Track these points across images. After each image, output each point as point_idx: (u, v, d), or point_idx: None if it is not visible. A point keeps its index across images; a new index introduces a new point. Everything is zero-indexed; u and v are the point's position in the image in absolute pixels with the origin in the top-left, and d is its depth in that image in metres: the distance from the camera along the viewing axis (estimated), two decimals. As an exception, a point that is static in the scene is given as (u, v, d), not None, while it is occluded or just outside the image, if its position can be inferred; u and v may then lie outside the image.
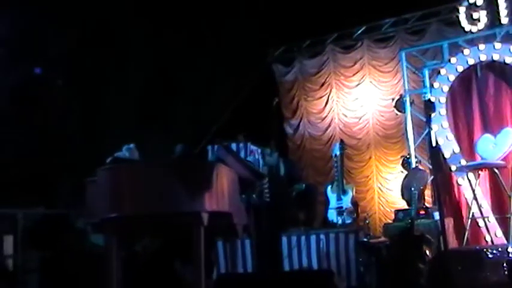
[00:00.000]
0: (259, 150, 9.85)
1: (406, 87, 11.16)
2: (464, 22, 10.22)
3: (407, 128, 10.91)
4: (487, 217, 9.46)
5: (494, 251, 6.97)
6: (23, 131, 10.20)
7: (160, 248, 7.63)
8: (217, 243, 9.48)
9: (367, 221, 9.68)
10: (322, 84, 13.40)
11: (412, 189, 9.36)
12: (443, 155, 9.89)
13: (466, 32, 10.29)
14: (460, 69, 10.14)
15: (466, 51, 10.11)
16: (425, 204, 9.94)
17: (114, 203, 5.95)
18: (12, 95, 10.00)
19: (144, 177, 5.99)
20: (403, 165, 10.30)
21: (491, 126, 9.85)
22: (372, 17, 12.59)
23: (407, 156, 10.47)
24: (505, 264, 6.73)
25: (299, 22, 12.61)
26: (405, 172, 10.42)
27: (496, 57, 9.89)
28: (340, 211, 10.11)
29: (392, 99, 11.21)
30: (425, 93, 10.47)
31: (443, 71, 10.25)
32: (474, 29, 10.16)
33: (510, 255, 6.90)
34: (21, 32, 9.99)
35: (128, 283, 6.72)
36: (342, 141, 11.25)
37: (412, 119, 10.88)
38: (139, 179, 5.98)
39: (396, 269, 8.09)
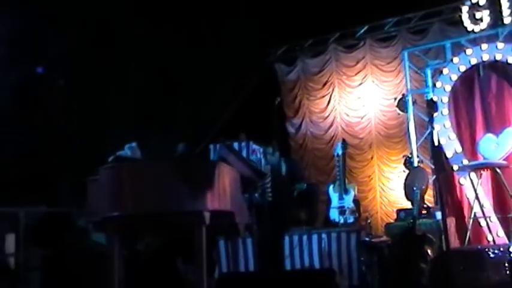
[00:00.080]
0: (261, 150, 9.85)
1: (409, 86, 11.16)
2: (466, 22, 10.20)
3: (410, 128, 10.90)
4: (489, 217, 9.45)
5: (496, 251, 6.97)
6: (23, 130, 10.22)
7: (162, 247, 7.63)
8: (219, 242, 9.49)
9: (369, 221, 9.68)
10: (325, 84, 13.39)
11: (414, 188, 9.35)
12: (445, 155, 9.88)
13: (469, 32, 10.28)
14: (463, 68, 10.12)
15: (469, 51, 10.09)
16: (427, 203, 9.94)
17: (116, 202, 5.96)
18: (12, 95, 10.01)
19: (146, 176, 5.99)
20: (405, 164, 10.28)
21: (494, 126, 9.84)
22: (375, 16, 12.59)
23: (410, 156, 10.46)
24: (506, 264, 6.72)
25: (301, 21, 12.62)
26: (407, 172, 10.41)
27: (498, 57, 9.88)
28: (342, 210, 10.11)
29: (395, 99, 11.20)
30: (427, 92, 10.48)
31: (445, 71, 10.24)
32: (477, 28, 10.15)
33: (512, 254, 6.90)
34: (22, 32, 10.00)
35: (129, 282, 6.73)
36: (344, 140, 11.24)
37: (414, 119, 10.87)
38: (141, 177, 5.99)
39: (398, 268, 8.09)
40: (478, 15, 10.09)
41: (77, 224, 8.90)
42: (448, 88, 10.18)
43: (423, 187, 9.64)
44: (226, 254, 9.48)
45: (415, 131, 10.83)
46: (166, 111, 11.65)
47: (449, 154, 9.92)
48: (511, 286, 6.58)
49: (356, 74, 13.04)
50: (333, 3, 12.11)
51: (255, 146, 10.51)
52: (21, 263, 9.24)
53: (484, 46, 9.97)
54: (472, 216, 9.49)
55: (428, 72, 10.68)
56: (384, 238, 9.44)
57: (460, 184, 9.92)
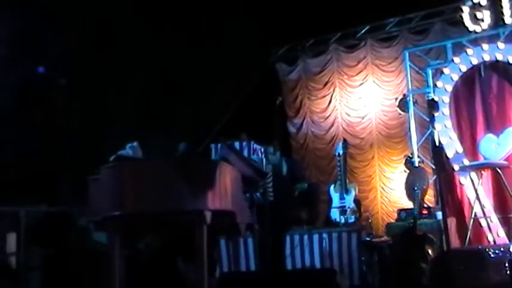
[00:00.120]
0: (263, 149, 9.86)
1: (410, 86, 11.16)
2: (468, 22, 10.20)
3: (411, 128, 10.91)
4: (490, 217, 9.46)
5: (497, 251, 6.98)
6: (24, 130, 10.22)
7: (163, 246, 7.64)
8: (220, 241, 9.50)
9: (370, 220, 9.69)
10: (326, 84, 13.39)
11: (415, 188, 9.36)
12: (446, 155, 9.89)
13: (470, 32, 10.28)
14: (464, 69, 10.13)
15: (470, 51, 10.10)
16: (428, 203, 9.95)
17: (117, 201, 5.97)
18: (13, 95, 10.02)
19: (147, 176, 6.00)
20: (406, 164, 10.29)
21: (494, 126, 9.85)
22: (376, 16, 12.58)
23: (410, 156, 10.46)
24: (507, 264, 6.73)
25: (303, 21, 12.62)
26: (408, 172, 10.41)
27: (499, 57, 9.89)
28: (343, 210, 10.12)
29: (396, 99, 11.21)
30: (428, 92, 10.48)
31: (446, 71, 10.25)
32: (478, 28, 10.15)
33: (512, 254, 6.90)
34: (22, 32, 10.00)
35: (130, 281, 6.74)
36: (345, 140, 11.27)
37: (415, 119, 10.88)
38: (142, 177, 6.00)
39: (399, 268, 8.10)
40: (479, 15, 10.09)
41: (78, 223, 8.90)
42: (449, 88, 10.19)
43: (424, 187, 9.65)
44: (227, 253, 9.48)
45: (416, 131, 10.84)
46: (167, 111, 11.64)
47: (450, 154, 9.92)
48: (511, 286, 6.59)
49: (357, 74, 13.03)
50: (334, 3, 12.10)
51: (256, 146, 10.52)
52: (22, 262, 9.24)
53: (485, 46, 9.98)
54: (473, 216, 9.50)
55: (429, 72, 10.69)
56: (385, 238, 9.45)
57: (461, 184, 9.93)
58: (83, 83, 11.13)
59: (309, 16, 12.49)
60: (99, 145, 10.14)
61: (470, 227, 9.44)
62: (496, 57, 9.92)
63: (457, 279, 6.63)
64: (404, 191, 10.07)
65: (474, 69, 10.15)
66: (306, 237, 9.80)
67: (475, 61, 10.05)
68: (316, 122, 13.47)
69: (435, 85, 10.37)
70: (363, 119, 12.92)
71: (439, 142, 9.60)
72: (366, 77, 12.91)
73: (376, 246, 9.07)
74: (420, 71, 11.24)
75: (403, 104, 10.91)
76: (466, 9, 10.21)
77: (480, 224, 9.55)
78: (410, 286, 7.72)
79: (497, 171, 9.39)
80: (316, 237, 9.77)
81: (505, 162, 9.44)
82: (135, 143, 7.41)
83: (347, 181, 10.59)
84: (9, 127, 9.99)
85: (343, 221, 10.04)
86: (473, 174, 9.68)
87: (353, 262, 9.44)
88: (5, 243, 9.30)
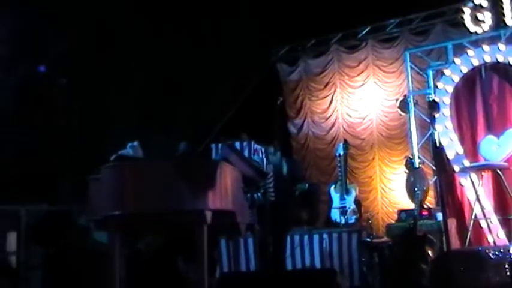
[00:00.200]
0: (263, 149, 9.86)
1: (410, 87, 11.16)
2: (469, 23, 10.20)
3: (411, 129, 10.91)
4: (490, 218, 9.46)
5: (497, 252, 6.97)
6: (24, 129, 10.23)
7: (163, 246, 7.65)
8: (220, 241, 9.50)
9: (370, 221, 9.69)
10: (327, 84, 13.38)
11: (416, 189, 9.37)
12: (446, 156, 9.89)
13: (471, 33, 10.27)
14: (465, 70, 10.13)
15: (471, 52, 10.11)
16: (428, 204, 9.95)
17: (117, 201, 5.97)
18: (13, 95, 10.02)
19: (147, 175, 6.01)
20: (406, 165, 10.28)
21: (495, 127, 9.85)
22: (377, 17, 12.57)
23: (411, 157, 10.46)
24: (507, 265, 6.73)
25: (304, 21, 12.61)
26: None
27: (500, 58, 9.89)
28: (343, 211, 10.13)
29: (396, 100, 11.21)
30: (429, 93, 10.46)
31: (447, 72, 10.25)
32: (479, 30, 10.15)
33: (512, 256, 6.90)
34: (22, 32, 10.00)
35: (130, 281, 6.74)
36: (345, 141, 11.27)
37: (415, 120, 10.88)
38: (142, 176, 6.00)
39: (399, 269, 8.10)
40: (480, 16, 10.09)
41: (78, 222, 8.91)
42: (450, 89, 10.20)
43: (424, 188, 9.66)
44: (227, 253, 9.49)
45: (417, 132, 10.84)
46: (167, 111, 11.65)
47: (450, 155, 9.93)
48: (511, 287, 6.59)
49: (358, 75, 13.03)
50: (336, 3, 12.10)
51: (256, 146, 10.52)
52: (23, 261, 9.25)
53: (486, 48, 9.99)
54: (473, 217, 9.50)
55: (430, 73, 10.69)
56: (385, 239, 9.46)
57: (461, 185, 9.94)
58: (83, 83, 11.13)
59: (310, 16, 12.49)
60: (99, 145, 10.14)
61: (470, 228, 9.44)
62: (496, 59, 9.92)
63: (457, 280, 6.63)
64: (406, 192, 10.09)
65: (475, 71, 10.16)
66: (306, 237, 9.81)
67: (475, 62, 10.05)
68: (316, 123, 13.46)
69: (436, 86, 10.38)
70: (363, 119, 12.92)
71: (440, 143, 9.58)
72: (366, 78, 12.90)
73: (376, 246, 9.08)
74: (421, 72, 11.24)
75: (403, 105, 10.91)
76: (467, 11, 10.21)
77: (480, 225, 9.55)
78: (410, 287, 7.72)
79: (498, 173, 9.39)
80: (316, 237, 9.78)
81: (506, 164, 9.44)
82: (135, 143, 7.42)
83: (347, 182, 10.60)
84: (9, 127, 10.00)
85: (343, 221, 10.05)
86: (473, 176, 9.68)
87: (353, 263, 9.45)
88: (5, 242, 9.31)
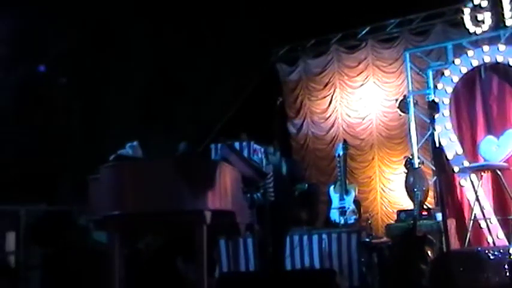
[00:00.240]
0: (263, 149, 9.86)
1: (410, 88, 11.16)
2: (468, 23, 10.19)
3: (411, 129, 10.91)
4: (489, 218, 9.46)
5: (496, 253, 6.97)
6: (24, 129, 10.23)
7: (163, 246, 7.64)
8: (220, 241, 9.50)
9: (370, 221, 9.69)
10: (326, 84, 13.38)
11: (415, 189, 9.36)
12: (446, 156, 9.90)
13: (471, 34, 10.26)
14: (464, 70, 10.13)
15: (470, 53, 10.11)
16: (428, 205, 9.95)
17: (116, 201, 5.97)
18: (13, 95, 10.02)
19: (147, 175, 6.00)
20: (406, 165, 10.28)
21: (495, 127, 9.86)
22: (377, 17, 12.58)
23: (410, 157, 10.46)
24: (506, 266, 6.73)
25: (304, 21, 12.61)
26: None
27: (500, 59, 9.89)
28: (342, 211, 10.13)
29: (396, 100, 11.21)
30: (429, 94, 10.48)
31: (447, 72, 10.26)
32: (478, 30, 10.14)
33: (512, 256, 6.90)
34: (22, 32, 10.00)
35: (130, 281, 6.74)
36: (345, 141, 11.27)
37: (415, 120, 10.88)
38: (142, 176, 6.00)
39: (398, 269, 8.10)
40: (480, 17, 10.08)
41: (78, 222, 8.91)
42: (450, 90, 10.20)
43: (424, 188, 9.66)
44: (226, 253, 9.49)
45: (416, 132, 10.83)
46: (167, 111, 11.65)
47: (450, 155, 9.93)
48: (510, 288, 6.60)
49: (358, 75, 13.03)
50: (335, 3, 12.10)
51: (256, 146, 10.52)
52: (22, 261, 9.25)
53: (486, 48, 9.99)
54: (472, 217, 9.49)
55: (430, 73, 10.69)
56: (384, 239, 9.45)
57: (461, 186, 9.94)
58: (83, 83, 11.13)
59: (310, 16, 12.49)
60: (99, 145, 10.14)
61: (470, 229, 9.44)
62: (496, 59, 9.92)
63: (456, 280, 6.63)
64: (405, 192, 10.09)
65: (475, 71, 10.16)
66: (305, 237, 9.81)
67: (475, 63, 10.06)
68: (316, 123, 13.47)
69: (435, 86, 10.38)
70: (363, 120, 12.92)
71: (439, 143, 9.59)
72: (366, 78, 12.90)
73: (375, 247, 9.08)
74: (421, 72, 11.24)
75: (403, 105, 10.91)
76: (466, 11, 10.20)
77: (480, 226, 9.55)
78: (409, 287, 7.71)
79: (497, 173, 9.39)
80: (315, 237, 9.78)
81: (505, 164, 9.44)
82: (135, 143, 7.41)
83: (347, 182, 10.60)
84: (9, 127, 10.00)
85: (342, 221, 10.06)
86: (473, 176, 9.68)
87: (352, 263, 9.45)
88: (4, 242, 9.31)
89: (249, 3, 12.28)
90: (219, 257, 9.40)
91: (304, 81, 13.64)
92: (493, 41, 10.12)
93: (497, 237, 9.32)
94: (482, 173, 9.58)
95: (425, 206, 9.76)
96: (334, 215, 10.21)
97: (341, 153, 10.71)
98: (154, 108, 11.51)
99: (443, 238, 7.58)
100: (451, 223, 9.44)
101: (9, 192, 9.26)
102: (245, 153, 10.28)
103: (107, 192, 6.05)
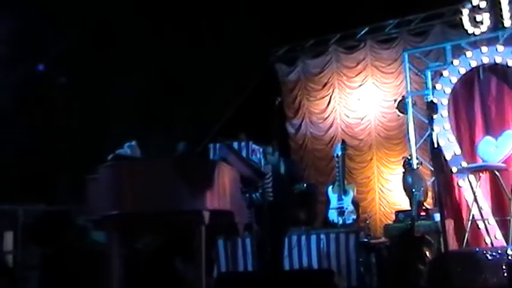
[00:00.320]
0: (261, 149, 9.86)
1: (409, 88, 11.17)
2: (467, 24, 10.21)
3: (409, 130, 10.92)
4: (487, 219, 9.48)
5: (494, 253, 6.98)
6: (23, 129, 10.22)
7: (162, 246, 7.64)
8: (218, 241, 9.50)
9: (368, 222, 9.71)
10: (325, 84, 13.39)
11: (413, 190, 9.37)
12: (444, 157, 9.91)
13: (469, 35, 10.28)
14: (463, 71, 10.15)
15: (469, 54, 10.12)
16: (426, 205, 9.96)
17: (115, 201, 5.96)
18: (12, 95, 10.02)
19: (145, 175, 5.99)
20: (404, 166, 10.29)
21: (493, 128, 9.87)
22: (375, 17, 12.59)
23: (409, 158, 10.47)
24: (504, 267, 6.74)
25: (302, 22, 12.62)
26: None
27: (498, 59, 9.91)
28: (341, 211, 10.12)
29: (395, 101, 11.22)
30: (427, 94, 10.49)
31: (445, 73, 10.27)
32: (477, 31, 10.16)
33: (510, 257, 6.90)
34: (22, 31, 10.00)
35: (129, 281, 6.73)
36: (343, 141, 11.26)
37: (414, 121, 10.89)
38: (140, 176, 5.99)
39: (396, 269, 8.12)
40: (478, 18, 10.10)
41: (76, 222, 8.89)
42: (448, 90, 10.21)
43: (422, 189, 9.67)
44: (225, 253, 9.51)
45: (415, 133, 10.85)
46: (166, 111, 11.65)
47: (448, 156, 9.94)
48: (508, 289, 6.60)
49: (356, 75, 13.04)
50: (334, 4, 12.11)
51: (254, 146, 10.52)
52: (20, 261, 9.23)
53: (484, 49, 10.00)
54: (471, 218, 9.51)
55: (429, 74, 10.70)
56: (383, 239, 9.48)
57: (459, 186, 9.95)
58: (83, 83, 11.13)
59: (309, 17, 12.49)
60: (98, 145, 10.13)
61: (468, 229, 9.46)
62: (495, 60, 9.94)
63: (454, 281, 6.64)
64: (404, 192, 10.10)
65: (473, 72, 10.18)
66: (303, 237, 9.81)
67: (474, 63, 10.07)
68: (315, 123, 13.48)
69: (434, 87, 10.39)
70: (361, 120, 12.93)
71: (438, 144, 9.58)
72: (365, 78, 12.92)
73: (374, 247, 9.10)
74: (419, 73, 11.24)
75: (402, 106, 10.92)
76: (465, 12, 10.22)
77: (478, 226, 9.56)
78: (407, 288, 7.73)
79: (496, 174, 9.41)
80: (314, 238, 9.78)
81: (503, 165, 9.45)
82: (133, 142, 7.41)
83: (345, 182, 10.60)
84: (8, 127, 10.00)
85: (341, 222, 10.05)
86: (471, 177, 9.70)
87: (351, 263, 9.45)
88: (2, 241, 9.30)
89: (248, 4, 12.27)
90: (217, 257, 9.40)
91: (303, 82, 13.66)
92: (491, 42, 10.13)
93: (495, 238, 9.34)
94: (481, 174, 9.60)
95: (423, 207, 9.76)
96: (333, 215, 10.21)
97: (339, 153, 10.70)
98: (153, 108, 11.51)
99: (441, 238, 7.60)
100: (449, 224, 9.45)
101: (8, 192, 9.25)
102: (244, 153, 10.28)
103: (106, 192, 6.04)
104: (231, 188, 6.48)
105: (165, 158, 6.71)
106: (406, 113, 10.94)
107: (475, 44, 10.30)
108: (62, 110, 10.97)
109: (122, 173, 6.10)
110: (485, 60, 10.00)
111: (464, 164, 9.81)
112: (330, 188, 10.52)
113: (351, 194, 10.33)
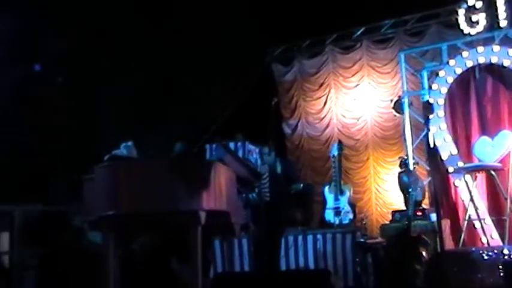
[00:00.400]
0: (258, 150, 9.86)
1: (405, 88, 11.17)
2: (463, 24, 10.22)
3: (406, 130, 10.91)
4: (484, 219, 9.48)
5: (490, 253, 7.00)
6: (20, 129, 10.21)
7: (158, 247, 7.64)
8: (215, 242, 9.49)
9: (364, 222, 9.71)
10: (321, 85, 13.38)
11: (410, 190, 9.38)
12: (440, 157, 9.91)
13: (465, 35, 10.29)
14: (459, 71, 10.16)
15: (465, 54, 10.13)
16: (422, 205, 9.96)
17: (111, 201, 5.96)
18: (9, 95, 10.01)
19: (141, 175, 6.00)
20: (400, 166, 10.30)
21: (489, 128, 9.88)
22: (372, 18, 12.58)
23: (405, 158, 10.48)
24: (500, 266, 6.75)
25: (299, 22, 12.61)
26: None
27: (494, 59, 9.92)
28: (337, 211, 10.13)
29: (391, 101, 11.21)
30: (423, 94, 10.47)
31: (441, 73, 10.27)
32: (473, 31, 10.17)
33: (506, 257, 6.92)
34: (21, 32, 9.99)
35: (125, 281, 6.74)
36: (340, 141, 11.26)
37: (410, 121, 10.88)
38: (136, 177, 5.99)
39: (393, 269, 8.11)
40: (474, 18, 10.11)
41: (73, 223, 8.90)
42: (444, 90, 10.22)
43: (419, 189, 9.67)
44: (221, 253, 9.49)
45: (411, 133, 10.84)
46: (162, 112, 11.64)
47: (444, 156, 9.94)
48: (504, 288, 6.62)
49: (353, 76, 13.03)
50: (331, 4, 12.11)
51: (251, 146, 10.52)
52: (16, 261, 9.23)
53: (480, 49, 10.01)
54: (467, 218, 9.52)
55: (425, 74, 10.68)
56: (379, 239, 9.48)
57: (455, 186, 9.96)
58: (82, 83, 11.13)
59: (305, 17, 12.49)
60: (95, 145, 10.13)
61: (464, 229, 9.47)
62: (490, 60, 9.95)
63: (450, 280, 6.65)
64: (400, 192, 10.10)
65: (469, 72, 10.19)
66: (300, 238, 9.80)
67: (470, 63, 10.08)
68: (311, 123, 13.47)
69: (430, 87, 10.38)
70: (358, 120, 12.92)
71: (434, 144, 9.61)
72: (361, 79, 12.91)
73: (370, 247, 9.10)
74: (415, 73, 11.23)
75: (398, 106, 10.91)
76: (461, 12, 10.23)
77: (474, 226, 9.57)
78: (404, 287, 7.73)
79: (492, 174, 9.42)
80: (310, 238, 9.77)
81: (499, 165, 9.46)
82: (129, 143, 7.41)
83: (342, 182, 10.60)
84: (6, 126, 9.98)
85: (337, 222, 10.06)
86: (467, 177, 9.70)
87: (347, 263, 9.44)
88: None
89: (244, 4, 12.27)
90: (213, 257, 9.40)
91: (299, 82, 13.64)
92: (487, 42, 10.15)
93: (492, 238, 9.35)
94: (477, 174, 9.62)
95: (420, 207, 9.76)
96: (329, 215, 10.21)
97: (336, 153, 10.71)
98: (150, 108, 11.50)
99: (438, 238, 7.58)
100: (446, 223, 9.45)
101: (4, 192, 9.24)
102: (240, 154, 10.28)
103: (102, 193, 6.04)
104: (228, 188, 6.49)
105: (161, 159, 6.72)
106: (403, 113, 10.93)
107: (471, 44, 10.31)
108: (59, 111, 10.96)
109: (118, 173, 6.10)
110: (481, 60, 10.01)
111: (461, 164, 9.81)
112: (327, 188, 10.53)
113: (348, 194, 10.34)
